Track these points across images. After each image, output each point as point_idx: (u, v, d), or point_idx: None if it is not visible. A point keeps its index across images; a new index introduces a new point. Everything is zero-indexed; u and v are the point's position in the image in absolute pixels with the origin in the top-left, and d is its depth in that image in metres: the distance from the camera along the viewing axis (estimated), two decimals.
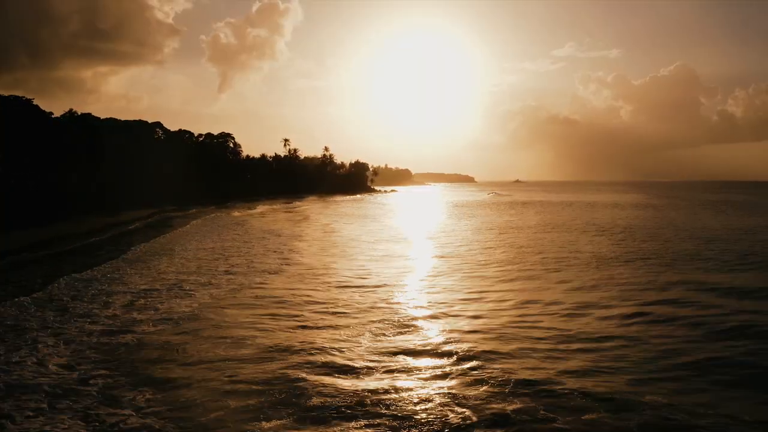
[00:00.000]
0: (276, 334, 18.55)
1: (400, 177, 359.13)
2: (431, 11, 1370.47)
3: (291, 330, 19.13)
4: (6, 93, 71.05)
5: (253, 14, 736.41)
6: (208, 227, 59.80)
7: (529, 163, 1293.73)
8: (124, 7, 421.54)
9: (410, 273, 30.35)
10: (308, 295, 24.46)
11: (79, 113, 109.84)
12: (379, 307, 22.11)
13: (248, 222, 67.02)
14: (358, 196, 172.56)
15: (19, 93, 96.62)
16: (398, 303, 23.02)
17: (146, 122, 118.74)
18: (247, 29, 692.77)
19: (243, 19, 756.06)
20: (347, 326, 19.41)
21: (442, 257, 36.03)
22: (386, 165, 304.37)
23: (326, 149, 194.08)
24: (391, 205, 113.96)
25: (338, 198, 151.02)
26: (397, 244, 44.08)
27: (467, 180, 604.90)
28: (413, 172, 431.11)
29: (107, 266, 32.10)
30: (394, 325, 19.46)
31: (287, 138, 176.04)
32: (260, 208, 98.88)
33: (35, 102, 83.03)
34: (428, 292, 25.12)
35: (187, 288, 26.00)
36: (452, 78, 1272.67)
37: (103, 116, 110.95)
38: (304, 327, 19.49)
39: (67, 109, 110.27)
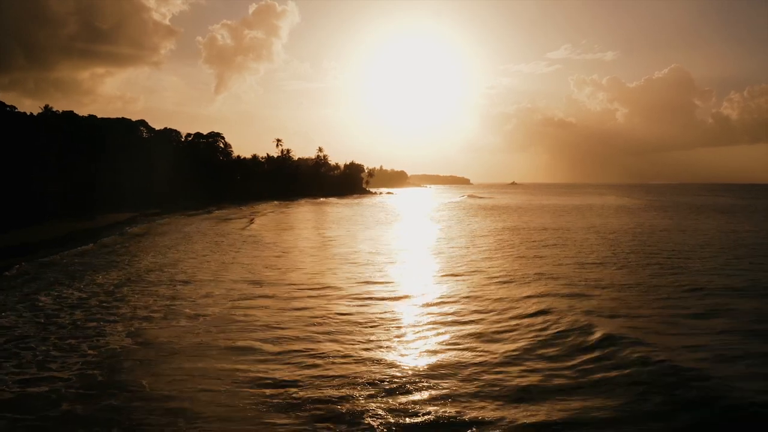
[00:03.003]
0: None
1: (395, 179, 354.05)
2: (427, 14, 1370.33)
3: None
4: (3, 93, 65.88)
5: (249, 16, 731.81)
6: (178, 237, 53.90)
7: (525, 165, 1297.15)
8: (121, 9, 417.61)
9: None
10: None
11: (61, 111, 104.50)
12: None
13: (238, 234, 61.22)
14: (350, 200, 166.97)
15: (15, 94, 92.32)
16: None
17: (130, 120, 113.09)
18: (244, 31, 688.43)
19: (240, 20, 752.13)
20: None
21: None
22: (381, 166, 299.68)
23: (320, 150, 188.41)
24: (389, 208, 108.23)
25: (332, 201, 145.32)
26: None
27: (463, 182, 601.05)
28: (409, 174, 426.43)
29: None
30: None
31: (280, 138, 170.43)
32: (254, 208, 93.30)
33: (31, 102, 77.93)
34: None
35: (100, 323, 19.98)
36: (448, 80, 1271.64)
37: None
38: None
39: (70, 111, 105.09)
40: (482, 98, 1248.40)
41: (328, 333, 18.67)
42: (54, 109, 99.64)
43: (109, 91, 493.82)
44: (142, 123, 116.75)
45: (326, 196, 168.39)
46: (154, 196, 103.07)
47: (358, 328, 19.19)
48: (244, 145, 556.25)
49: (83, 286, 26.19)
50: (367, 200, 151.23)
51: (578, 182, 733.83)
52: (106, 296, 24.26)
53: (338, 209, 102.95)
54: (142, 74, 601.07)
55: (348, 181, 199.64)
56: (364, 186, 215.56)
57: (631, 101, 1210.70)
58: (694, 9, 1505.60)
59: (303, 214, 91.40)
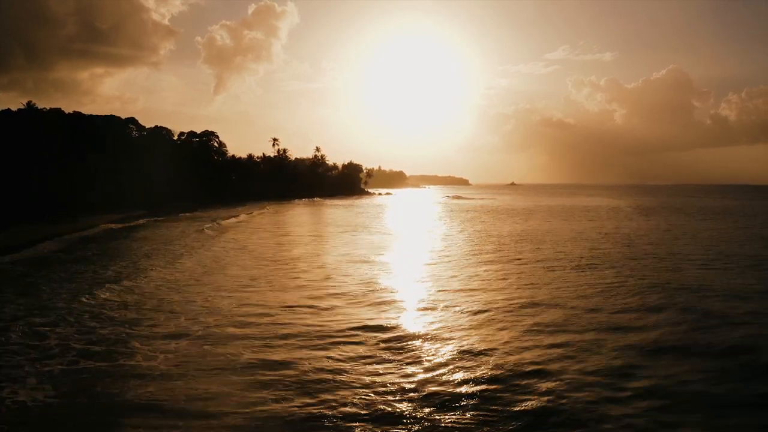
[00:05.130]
0: None
1: (394, 179, 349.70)
2: (426, 14, 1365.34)
3: None
4: (2, 94, 62.13)
5: (249, 17, 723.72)
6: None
7: (524, 165, 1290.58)
8: (121, 9, 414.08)
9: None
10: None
11: (48, 108, 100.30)
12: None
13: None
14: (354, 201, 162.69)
15: (15, 94, 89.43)
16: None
17: (118, 117, 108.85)
18: (243, 31, 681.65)
19: (239, 21, 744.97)
20: None
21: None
22: (380, 167, 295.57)
23: (318, 149, 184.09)
24: (380, 212, 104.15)
25: (328, 202, 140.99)
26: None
27: (462, 182, 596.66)
28: (408, 174, 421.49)
29: None
30: None
31: (276, 137, 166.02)
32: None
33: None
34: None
35: None
36: (446, 80, 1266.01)
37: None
38: None
39: (57, 108, 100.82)
40: (481, 99, 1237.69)
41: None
42: (37, 107, 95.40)
43: (108, 92, 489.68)
44: (132, 121, 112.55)
45: (324, 196, 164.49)
46: (143, 197, 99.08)
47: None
48: (243, 146, 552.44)
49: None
50: (364, 201, 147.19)
51: (577, 183, 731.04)
52: (30, 314, 20.03)
53: (331, 211, 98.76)
54: (141, 74, 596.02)
55: (346, 182, 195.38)
56: (362, 186, 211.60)
57: (630, 102, 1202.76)
58: (693, 10, 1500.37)
59: (293, 217, 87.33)
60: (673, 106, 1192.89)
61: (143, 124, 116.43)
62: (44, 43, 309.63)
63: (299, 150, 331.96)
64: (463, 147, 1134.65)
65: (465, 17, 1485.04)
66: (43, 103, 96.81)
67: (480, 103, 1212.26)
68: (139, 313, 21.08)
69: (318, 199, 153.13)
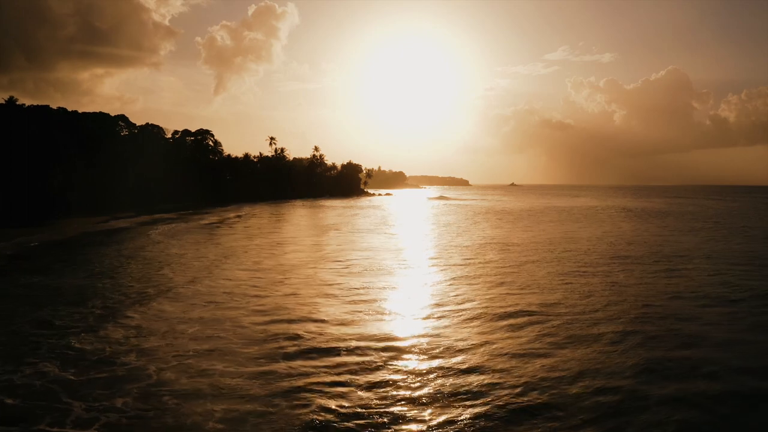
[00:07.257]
0: None
1: (394, 180, 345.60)
2: (426, 15, 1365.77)
3: None
4: (2, 93, 58.07)
5: (249, 17, 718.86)
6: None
7: (524, 166, 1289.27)
8: (121, 10, 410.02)
9: None
10: None
11: (34, 105, 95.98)
12: None
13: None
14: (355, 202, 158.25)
15: (15, 94, 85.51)
16: None
17: (107, 115, 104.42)
18: (243, 32, 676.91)
19: (239, 22, 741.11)
20: None
21: None
22: (380, 167, 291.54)
23: (316, 149, 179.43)
24: (379, 214, 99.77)
25: (327, 204, 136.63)
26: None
27: (462, 183, 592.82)
28: (407, 175, 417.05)
29: None
30: None
31: (273, 137, 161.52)
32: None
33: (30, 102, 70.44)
34: None
35: None
36: (445, 81, 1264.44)
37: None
38: None
39: (44, 105, 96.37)
40: (480, 99, 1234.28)
41: None
42: (23, 104, 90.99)
43: (108, 92, 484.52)
44: (122, 118, 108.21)
45: (323, 197, 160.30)
46: (138, 196, 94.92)
47: None
48: (242, 146, 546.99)
49: None
50: (364, 202, 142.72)
51: (577, 183, 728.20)
52: None
53: (324, 214, 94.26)
54: (141, 75, 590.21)
55: (345, 182, 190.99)
56: (362, 187, 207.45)
57: (629, 103, 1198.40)
58: (693, 11, 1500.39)
59: (274, 218, 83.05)
60: (673, 108, 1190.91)
61: (142, 124, 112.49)
62: (44, 43, 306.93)
63: (298, 150, 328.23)
64: (463, 148, 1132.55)
65: (464, 18, 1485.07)
66: (42, 104, 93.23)
67: (479, 104, 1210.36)
68: (78, 348, 16.78)
69: (312, 200, 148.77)
